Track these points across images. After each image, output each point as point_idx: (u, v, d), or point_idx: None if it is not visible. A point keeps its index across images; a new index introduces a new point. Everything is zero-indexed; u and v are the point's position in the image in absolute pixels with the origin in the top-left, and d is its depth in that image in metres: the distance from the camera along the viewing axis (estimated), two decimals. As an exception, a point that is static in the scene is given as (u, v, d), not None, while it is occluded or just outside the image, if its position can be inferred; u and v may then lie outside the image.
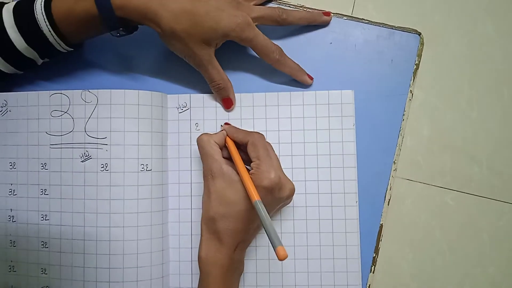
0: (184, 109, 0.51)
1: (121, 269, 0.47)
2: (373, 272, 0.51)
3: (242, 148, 0.48)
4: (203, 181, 0.46)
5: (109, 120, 0.47)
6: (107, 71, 0.52)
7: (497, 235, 0.55)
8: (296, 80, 0.51)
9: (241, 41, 0.46)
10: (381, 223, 0.51)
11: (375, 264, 0.51)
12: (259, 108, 0.51)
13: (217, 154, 0.45)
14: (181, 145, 0.51)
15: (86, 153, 0.47)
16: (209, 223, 0.44)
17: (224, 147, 0.48)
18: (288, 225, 0.50)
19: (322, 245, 0.50)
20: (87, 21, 0.44)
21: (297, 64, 0.50)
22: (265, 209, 0.40)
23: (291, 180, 0.46)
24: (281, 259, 0.37)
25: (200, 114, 0.51)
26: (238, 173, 0.44)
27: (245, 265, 0.49)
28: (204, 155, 0.46)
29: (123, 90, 0.47)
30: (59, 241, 0.48)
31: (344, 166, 0.51)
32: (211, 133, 0.48)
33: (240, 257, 0.47)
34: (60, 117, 0.48)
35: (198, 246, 0.49)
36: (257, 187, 0.42)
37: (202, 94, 0.51)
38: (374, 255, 0.51)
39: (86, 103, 0.48)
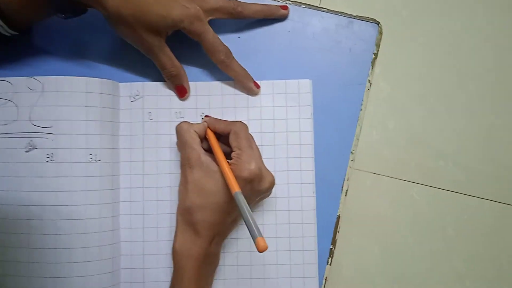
0: (136, 97, 0.49)
1: (69, 263, 0.45)
2: (330, 264, 0.50)
3: (223, 140, 0.46)
4: (180, 171, 0.45)
5: (55, 109, 0.45)
6: (56, 58, 0.50)
7: (462, 229, 0.55)
8: (241, 87, 0.50)
9: (190, 33, 0.45)
10: (338, 214, 0.50)
11: (332, 256, 0.50)
12: (215, 97, 0.50)
13: (196, 143, 0.44)
14: (133, 135, 0.49)
15: (31, 143, 0.45)
16: (185, 214, 0.43)
17: (204, 139, 0.46)
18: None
19: (279, 237, 0.49)
20: (31, 1, 0.42)
21: (245, 70, 0.49)
22: (245, 201, 0.39)
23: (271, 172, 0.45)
24: (260, 251, 0.36)
25: (153, 103, 0.49)
26: (217, 164, 0.43)
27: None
28: (182, 143, 0.44)
29: (70, 77, 0.45)
30: (3, 235, 0.46)
31: (301, 156, 0.50)
32: (192, 122, 0.46)
33: (216, 250, 0.45)
34: (3, 105, 0.46)
35: (149, 239, 0.48)
36: (237, 178, 0.41)
37: (155, 82, 0.50)
38: (331, 247, 0.50)
39: (31, 91, 0.45)
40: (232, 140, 0.44)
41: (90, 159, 0.46)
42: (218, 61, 0.47)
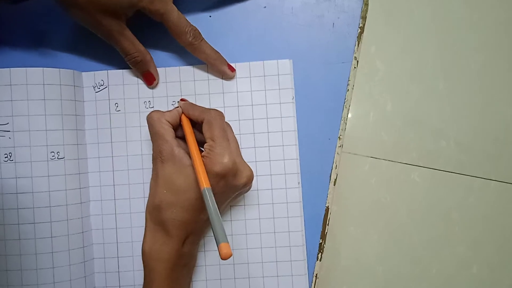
0: (101, 87, 0.45)
1: (35, 270, 0.42)
2: (320, 260, 0.46)
3: (199, 127, 0.42)
4: (152, 165, 0.41)
5: (10, 103, 0.42)
6: (11, 48, 0.46)
7: (466, 212, 0.51)
8: (215, 71, 0.46)
9: (151, 14, 0.41)
10: (327, 205, 0.46)
11: (322, 252, 0.46)
12: (187, 83, 0.46)
13: (168, 134, 0.40)
14: (100, 128, 0.45)
15: (-13, 142, 0.42)
16: (154, 212, 0.39)
17: (179, 125, 0.42)
18: (225, 213, 0.45)
19: (263, 233, 0.45)
20: None
21: (217, 52, 0.44)
22: (213, 199, 0.35)
23: (249, 165, 0.41)
24: (223, 258, 0.32)
25: (120, 92, 0.46)
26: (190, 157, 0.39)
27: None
28: (154, 135, 0.40)
29: (24, 68, 0.42)
30: (-37, 243, 0.43)
31: (283, 144, 0.46)
32: (163, 110, 0.42)
33: (191, 251, 0.42)
34: (-44, 102, 0.42)
35: (123, 240, 0.45)
36: (208, 172, 0.37)
37: (121, 70, 0.46)
38: (321, 241, 0.46)
39: (-16, 85, 0.42)
40: (205, 130, 0.40)
41: (52, 157, 0.42)
42: (186, 43, 0.43)
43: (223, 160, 0.38)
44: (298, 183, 0.45)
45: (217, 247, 0.33)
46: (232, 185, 0.39)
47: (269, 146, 0.46)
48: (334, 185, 0.47)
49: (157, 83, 0.45)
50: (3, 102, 0.42)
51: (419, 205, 0.51)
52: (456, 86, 0.51)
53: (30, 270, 0.42)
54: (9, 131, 0.42)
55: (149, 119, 0.41)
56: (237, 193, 0.41)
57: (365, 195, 0.50)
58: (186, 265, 0.41)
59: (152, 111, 0.41)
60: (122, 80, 0.46)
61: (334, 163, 0.46)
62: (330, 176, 0.46)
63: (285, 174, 0.46)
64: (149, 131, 0.41)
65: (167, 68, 0.46)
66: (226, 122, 0.42)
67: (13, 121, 0.42)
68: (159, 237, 0.39)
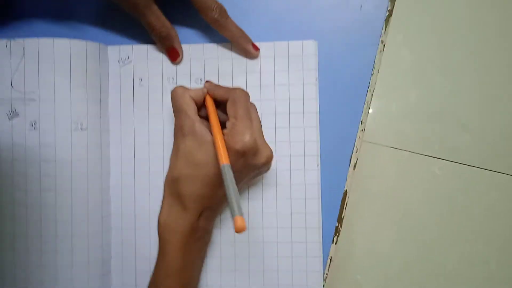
0: (126, 62, 0.46)
1: (54, 236, 0.43)
2: (336, 243, 0.46)
3: (223, 108, 0.42)
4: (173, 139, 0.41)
5: (37, 73, 0.42)
6: (39, 20, 0.47)
7: (487, 207, 0.50)
8: (239, 49, 0.45)
9: None
10: (345, 189, 0.46)
11: (338, 235, 0.46)
12: (211, 61, 0.46)
13: (191, 110, 0.40)
14: (123, 102, 0.46)
15: (14, 110, 0.43)
16: (172, 184, 0.40)
17: (203, 106, 0.42)
18: (241, 191, 0.45)
19: (279, 213, 0.45)
20: None
21: (241, 30, 0.44)
22: (232, 175, 0.35)
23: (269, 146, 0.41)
24: (237, 231, 0.32)
25: (144, 67, 0.46)
26: (212, 134, 0.39)
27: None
28: (176, 110, 0.40)
29: (52, 38, 0.42)
30: (-12, 207, 0.44)
31: (304, 125, 0.45)
32: (189, 87, 0.42)
33: (206, 226, 0.42)
34: (-15, 70, 0.43)
35: (140, 213, 0.45)
36: (229, 149, 0.37)
37: (146, 45, 0.46)
38: (337, 225, 0.46)
39: (12, 54, 0.43)
40: (229, 108, 0.40)
41: (76, 128, 0.43)
42: (211, 20, 0.43)
43: (244, 138, 0.38)
44: (317, 165, 0.45)
45: (232, 219, 0.33)
46: (251, 164, 0.39)
47: (289, 127, 0.45)
48: (354, 169, 0.46)
49: (181, 59, 0.46)
50: (30, 71, 0.42)
51: (438, 198, 0.50)
52: (484, 80, 0.49)
53: (49, 236, 0.43)
54: (35, 100, 0.42)
55: (173, 93, 0.41)
56: (255, 172, 0.41)
57: (383, 185, 0.49)
58: (200, 239, 0.41)
59: (177, 86, 0.41)
60: (147, 55, 0.46)
61: (355, 147, 0.46)
62: (350, 160, 0.46)
63: (304, 155, 0.45)
64: (172, 105, 0.41)
65: (191, 45, 0.46)
66: (250, 102, 0.42)
67: (39, 90, 0.42)
68: (175, 209, 0.39)
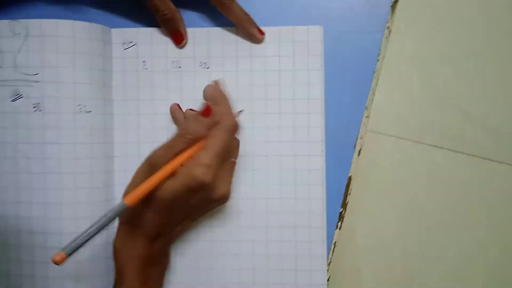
0: (130, 45, 0.45)
1: (59, 219, 0.42)
2: (340, 229, 0.46)
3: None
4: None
5: (40, 54, 0.42)
6: (43, 1, 0.46)
7: (488, 197, 0.50)
8: (244, 34, 0.45)
9: None
10: (350, 175, 0.46)
11: (342, 220, 0.46)
12: (215, 45, 0.46)
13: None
14: (127, 85, 0.45)
15: (17, 91, 0.42)
16: (126, 211, 0.37)
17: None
18: (247, 176, 0.45)
19: (283, 198, 0.45)
20: None
21: (247, 14, 0.44)
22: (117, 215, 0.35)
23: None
24: (54, 262, 0.33)
25: (148, 51, 0.45)
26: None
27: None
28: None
29: (55, 20, 0.42)
30: (-10, 189, 0.43)
31: (309, 111, 0.45)
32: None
33: (163, 249, 0.41)
34: (-12, 51, 0.43)
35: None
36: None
37: (150, 28, 0.46)
38: (342, 210, 0.46)
39: (15, 35, 0.42)
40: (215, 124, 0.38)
41: (79, 110, 0.42)
42: (217, 2, 0.42)
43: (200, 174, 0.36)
44: (322, 151, 0.45)
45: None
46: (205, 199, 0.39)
47: (294, 113, 0.45)
48: (359, 155, 0.46)
49: (186, 43, 0.45)
50: (33, 52, 0.42)
51: (439, 187, 0.50)
52: (487, 69, 0.49)
53: (54, 219, 0.42)
54: (38, 81, 0.42)
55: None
56: (209, 206, 0.42)
57: (385, 174, 0.49)
58: (157, 263, 0.40)
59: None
60: (151, 39, 0.45)
61: (360, 133, 0.46)
62: (355, 146, 0.46)
63: (308, 141, 0.45)
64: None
65: (196, 29, 0.46)
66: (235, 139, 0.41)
67: (42, 72, 0.42)
68: (131, 235, 0.38)
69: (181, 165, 0.37)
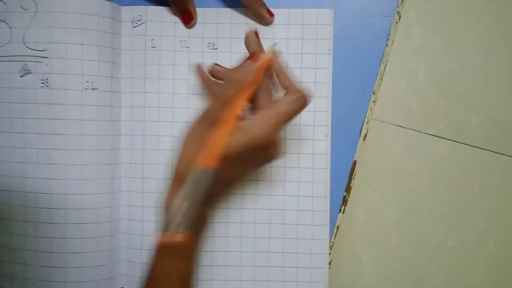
0: (139, 22, 0.45)
1: (64, 195, 0.43)
2: (343, 212, 0.46)
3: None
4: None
5: (49, 30, 0.42)
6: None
7: (489, 188, 0.50)
8: (253, 14, 0.44)
9: None
10: (354, 159, 0.46)
11: (346, 204, 0.46)
12: (224, 26, 0.45)
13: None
14: (134, 63, 0.45)
15: (25, 67, 0.43)
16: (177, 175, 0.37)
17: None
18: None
19: (287, 181, 0.45)
20: None
21: None
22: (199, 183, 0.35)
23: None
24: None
25: (157, 29, 0.45)
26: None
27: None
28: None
29: (65, -5, 0.42)
30: (-3, 163, 0.44)
31: (316, 95, 0.45)
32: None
33: (209, 213, 0.42)
34: (-3, 25, 0.43)
35: (149, 176, 0.45)
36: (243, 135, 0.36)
37: (160, 7, 0.45)
38: (345, 194, 0.46)
39: (24, 10, 0.42)
40: (283, 93, 0.38)
41: (87, 87, 0.43)
42: None
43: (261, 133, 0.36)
44: (327, 135, 0.45)
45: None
46: (259, 157, 0.39)
47: (301, 96, 0.45)
48: (364, 140, 0.46)
49: (195, 23, 0.45)
50: (42, 28, 0.42)
51: (441, 177, 0.50)
52: (493, 60, 0.49)
53: (60, 194, 0.43)
54: (46, 57, 0.42)
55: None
56: (258, 164, 0.41)
57: (387, 163, 0.49)
58: (202, 225, 0.40)
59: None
60: (160, 17, 0.45)
61: (366, 117, 0.46)
62: (361, 131, 0.46)
63: (314, 125, 0.45)
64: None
65: (205, 9, 0.45)
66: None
67: (51, 48, 0.42)
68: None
69: (238, 116, 0.37)
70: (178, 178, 0.37)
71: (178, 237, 0.34)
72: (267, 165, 0.42)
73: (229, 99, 0.37)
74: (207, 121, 0.37)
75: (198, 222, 0.37)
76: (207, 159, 0.35)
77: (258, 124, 0.36)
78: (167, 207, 0.36)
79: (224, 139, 0.36)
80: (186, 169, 0.36)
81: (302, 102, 0.37)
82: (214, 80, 0.41)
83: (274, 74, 0.39)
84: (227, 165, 0.36)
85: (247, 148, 0.36)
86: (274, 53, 0.39)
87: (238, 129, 0.36)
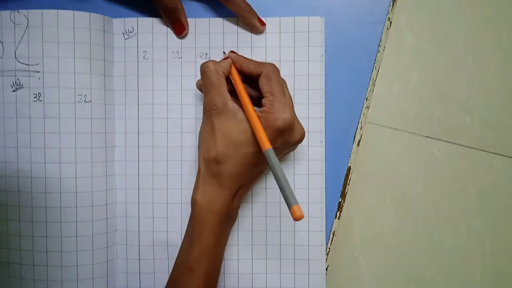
0: (130, 34, 0.45)
1: (58, 208, 0.43)
2: (339, 218, 0.46)
3: (247, 82, 0.42)
4: (202, 115, 0.41)
5: (41, 45, 0.42)
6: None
7: (484, 189, 0.50)
8: (244, 24, 0.45)
9: None
10: (349, 165, 0.46)
11: (341, 210, 0.46)
12: (216, 35, 0.46)
13: (223, 87, 0.39)
14: (127, 75, 0.45)
15: (18, 81, 0.43)
16: (210, 164, 0.39)
17: (227, 78, 0.42)
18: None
19: (283, 188, 0.45)
20: None
21: (248, 4, 0.43)
22: (277, 159, 0.35)
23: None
24: (296, 219, 0.33)
25: (148, 40, 0.45)
26: (243, 110, 0.39)
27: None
28: (209, 86, 0.40)
29: (56, 10, 0.42)
30: (-8, 178, 0.44)
31: (309, 102, 0.45)
32: (216, 60, 0.41)
33: (238, 205, 0.42)
34: (-12, 41, 0.43)
35: (144, 187, 0.45)
36: (267, 128, 0.38)
37: (151, 18, 0.46)
38: (340, 200, 0.46)
39: (16, 25, 0.42)
40: (263, 84, 0.40)
41: (80, 100, 0.43)
42: None
43: (284, 115, 0.38)
44: (321, 142, 0.45)
45: (288, 209, 0.33)
46: (287, 141, 0.40)
47: (294, 103, 0.45)
48: (358, 145, 0.46)
49: (187, 33, 0.45)
50: (34, 43, 0.42)
51: (437, 179, 0.50)
52: (485, 62, 0.49)
53: (54, 207, 0.43)
54: (39, 71, 0.42)
55: (205, 69, 0.40)
56: (289, 149, 0.42)
57: (383, 166, 0.49)
58: (232, 219, 0.42)
59: (208, 61, 0.40)
60: (152, 29, 0.45)
61: (360, 123, 0.46)
62: (355, 137, 0.46)
63: (308, 132, 0.45)
64: (203, 81, 0.40)
65: (197, 19, 0.46)
66: (282, 78, 0.42)
67: (43, 62, 0.42)
68: (213, 188, 0.39)
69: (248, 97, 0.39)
70: (208, 171, 0.39)
71: (298, 209, 0.33)
72: (293, 149, 0.43)
73: (216, 83, 0.39)
74: (213, 112, 0.39)
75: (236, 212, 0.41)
76: (263, 142, 0.37)
77: (273, 109, 0.38)
78: (196, 202, 0.39)
79: (260, 123, 0.38)
80: (215, 161, 0.38)
81: (272, 68, 0.40)
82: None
83: (242, 69, 0.41)
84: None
85: (271, 134, 0.38)
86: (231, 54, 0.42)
87: (261, 119, 0.38)
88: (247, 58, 0.42)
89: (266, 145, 0.36)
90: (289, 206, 0.33)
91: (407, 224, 0.49)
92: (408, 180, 0.50)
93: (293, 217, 0.33)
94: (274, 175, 0.35)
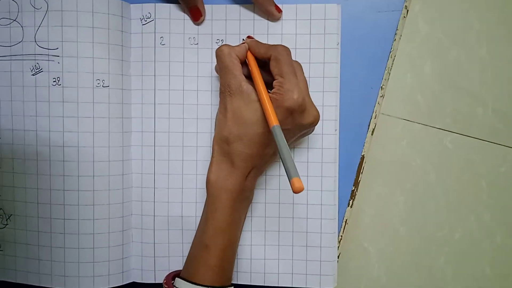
0: (148, 20, 0.46)
1: (76, 191, 0.44)
2: (351, 207, 0.47)
3: (265, 67, 0.42)
4: (219, 98, 0.42)
5: (60, 29, 0.42)
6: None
7: (496, 181, 0.50)
8: (261, 11, 0.45)
9: None
10: (362, 154, 0.46)
11: (354, 198, 0.47)
12: (232, 22, 0.46)
13: (237, 69, 0.40)
14: (144, 61, 0.46)
15: (37, 65, 0.43)
16: (222, 144, 0.41)
17: (244, 64, 0.42)
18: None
19: (296, 176, 0.46)
20: None
21: None
22: (283, 136, 0.36)
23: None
24: (296, 192, 0.33)
25: (165, 26, 0.46)
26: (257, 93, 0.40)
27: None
28: (223, 69, 0.40)
29: (75, -6, 0.42)
30: (11, 161, 0.45)
31: (324, 90, 0.45)
32: (232, 45, 0.42)
33: (252, 185, 0.43)
34: (8, 25, 0.44)
35: (160, 172, 0.46)
36: (277, 107, 0.38)
37: (168, 4, 0.46)
38: (353, 188, 0.46)
39: (36, 10, 0.43)
40: (273, 66, 0.40)
41: (98, 85, 0.43)
42: None
43: (293, 96, 0.38)
44: (336, 130, 0.46)
45: (289, 182, 0.33)
46: (298, 123, 0.40)
47: (309, 91, 0.45)
48: (372, 134, 0.47)
49: (203, 19, 0.45)
50: (54, 27, 0.42)
51: (448, 170, 0.50)
52: (499, 53, 0.49)
53: (72, 191, 0.44)
54: (58, 56, 0.43)
55: (219, 52, 0.41)
56: (302, 132, 0.42)
57: (395, 156, 0.49)
58: (246, 198, 0.43)
59: (223, 45, 0.41)
60: (169, 14, 0.46)
61: (374, 112, 0.46)
62: (369, 125, 0.46)
63: (322, 120, 0.46)
64: (218, 64, 0.41)
65: (213, 5, 0.46)
66: (295, 60, 0.42)
67: (62, 47, 0.43)
68: (225, 167, 0.40)
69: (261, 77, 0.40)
70: (220, 151, 0.40)
71: (298, 182, 0.34)
72: (307, 133, 0.43)
73: (230, 66, 0.40)
74: (227, 93, 0.40)
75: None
76: (271, 119, 0.37)
77: (283, 89, 0.38)
78: (210, 181, 0.40)
79: (270, 101, 0.38)
80: (226, 141, 0.39)
81: (282, 49, 0.40)
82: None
83: (255, 54, 0.42)
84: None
85: (282, 114, 0.38)
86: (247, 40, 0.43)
87: (272, 98, 0.38)
88: (260, 43, 0.42)
89: (273, 121, 0.37)
90: (290, 178, 0.34)
91: (417, 215, 0.49)
92: (419, 171, 0.50)
93: (292, 189, 0.33)
94: (278, 150, 0.36)
